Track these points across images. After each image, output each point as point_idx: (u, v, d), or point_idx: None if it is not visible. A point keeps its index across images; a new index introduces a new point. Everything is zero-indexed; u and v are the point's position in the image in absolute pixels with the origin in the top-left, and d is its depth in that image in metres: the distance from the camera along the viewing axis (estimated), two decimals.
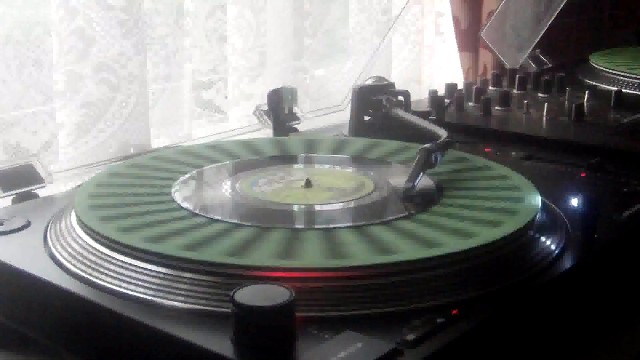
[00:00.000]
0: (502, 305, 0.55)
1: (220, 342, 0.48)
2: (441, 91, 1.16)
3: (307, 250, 0.59)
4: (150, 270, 0.57)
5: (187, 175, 0.76)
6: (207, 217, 0.65)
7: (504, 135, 0.99)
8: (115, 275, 0.57)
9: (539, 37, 1.40)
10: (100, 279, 0.57)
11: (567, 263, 0.62)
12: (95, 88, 0.90)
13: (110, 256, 0.59)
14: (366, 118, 0.98)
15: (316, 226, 0.65)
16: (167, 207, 0.68)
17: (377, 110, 0.97)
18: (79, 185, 0.80)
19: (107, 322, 0.55)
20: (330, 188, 0.73)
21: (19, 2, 0.85)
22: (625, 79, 1.25)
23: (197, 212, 0.66)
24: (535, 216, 0.65)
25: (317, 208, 0.69)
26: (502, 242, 0.60)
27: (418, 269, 0.56)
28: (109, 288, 0.56)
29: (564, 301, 0.62)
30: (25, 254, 0.62)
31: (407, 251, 0.58)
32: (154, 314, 0.53)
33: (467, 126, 1.04)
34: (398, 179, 0.74)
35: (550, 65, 1.41)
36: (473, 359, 0.53)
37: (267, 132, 1.02)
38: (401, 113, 0.95)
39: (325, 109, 1.19)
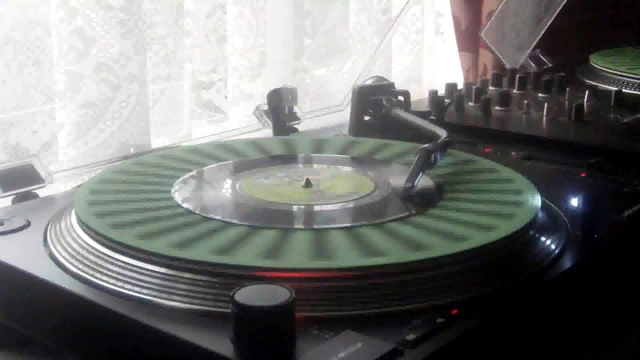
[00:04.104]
0: (502, 305, 0.55)
1: (220, 342, 0.48)
2: (441, 91, 1.16)
3: (307, 250, 0.59)
4: (150, 270, 0.57)
5: (186, 175, 0.76)
6: (207, 218, 0.65)
7: (504, 135, 0.99)
8: (115, 275, 0.57)
9: (539, 37, 1.40)
10: (100, 279, 0.57)
11: (567, 263, 0.62)
12: (95, 88, 0.90)
13: (110, 256, 0.59)
14: (366, 118, 0.98)
15: (316, 226, 0.65)
16: (167, 207, 0.68)
17: (377, 110, 0.96)
18: (79, 185, 0.80)
19: (107, 322, 0.55)
20: (329, 188, 0.73)
21: (19, 2, 0.85)
22: (625, 79, 1.25)
23: (197, 212, 0.66)
24: (536, 216, 0.65)
25: (317, 208, 0.69)
26: (502, 242, 0.60)
27: (418, 269, 0.56)
28: (109, 288, 0.56)
29: (564, 301, 0.62)
30: (25, 254, 0.62)
31: (407, 252, 0.58)
32: (154, 314, 0.53)
33: (467, 126, 1.04)
34: (398, 179, 0.74)
35: (550, 65, 1.41)
36: (473, 359, 0.53)
37: (267, 132, 1.02)
38: (401, 113, 0.95)
39: (325, 109, 1.19)
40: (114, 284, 0.56)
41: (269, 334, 0.47)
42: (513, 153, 0.92)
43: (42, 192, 0.78)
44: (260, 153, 0.84)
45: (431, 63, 1.46)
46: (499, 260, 0.59)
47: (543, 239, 0.64)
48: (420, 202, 0.70)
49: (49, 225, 0.67)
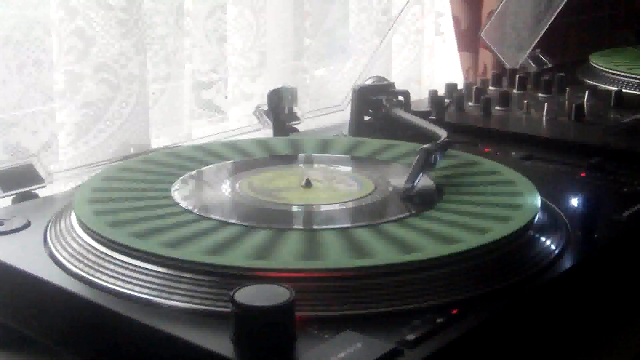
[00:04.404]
0: (502, 305, 0.55)
1: (220, 342, 0.48)
2: (441, 91, 1.16)
3: (307, 250, 0.59)
4: (150, 270, 0.57)
5: (186, 175, 0.76)
6: (206, 217, 0.65)
7: (504, 135, 0.99)
8: (115, 275, 0.57)
9: (539, 37, 1.40)
10: (100, 279, 0.57)
11: (567, 263, 0.62)
12: (95, 88, 0.90)
13: (110, 256, 0.59)
14: (366, 118, 0.98)
15: (315, 227, 0.65)
16: (167, 206, 0.68)
17: (377, 110, 0.96)
18: (78, 185, 0.80)
19: (107, 322, 0.55)
20: (330, 188, 0.73)
21: (19, 2, 0.85)
22: (625, 79, 1.25)
23: (196, 212, 0.66)
24: (535, 216, 0.65)
25: (317, 208, 0.69)
26: (502, 242, 0.60)
27: (418, 269, 0.56)
28: (109, 288, 0.56)
29: (564, 301, 0.62)
30: (25, 254, 0.62)
31: (407, 252, 0.58)
32: (154, 314, 0.53)
33: (467, 126, 1.04)
34: (399, 179, 0.74)
35: (550, 65, 1.41)
36: (473, 359, 0.53)
37: (267, 132, 1.02)
38: (401, 113, 0.95)
39: (325, 109, 1.19)
40: (114, 284, 0.56)
41: (269, 334, 0.47)
42: (513, 153, 0.92)
43: (42, 192, 0.78)
44: (265, 153, 0.84)
45: (431, 63, 1.46)
46: (498, 261, 0.59)
47: (543, 239, 0.64)
48: (420, 202, 0.70)
49: (49, 225, 0.67)
